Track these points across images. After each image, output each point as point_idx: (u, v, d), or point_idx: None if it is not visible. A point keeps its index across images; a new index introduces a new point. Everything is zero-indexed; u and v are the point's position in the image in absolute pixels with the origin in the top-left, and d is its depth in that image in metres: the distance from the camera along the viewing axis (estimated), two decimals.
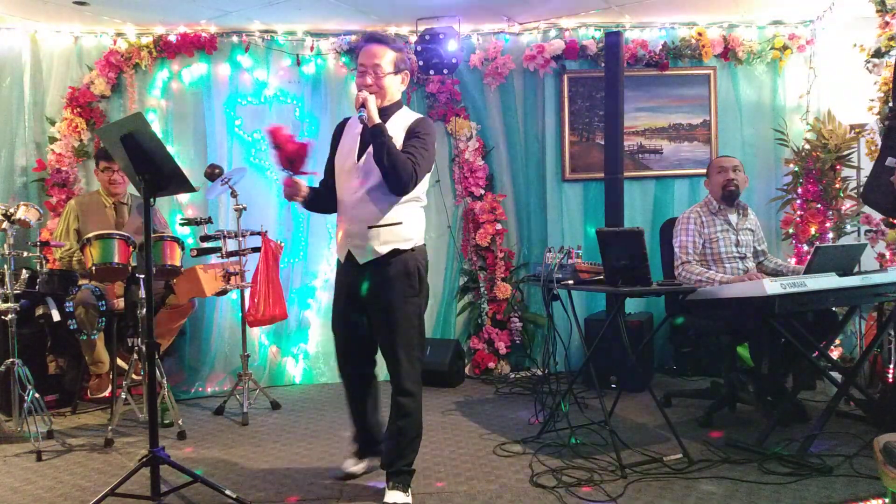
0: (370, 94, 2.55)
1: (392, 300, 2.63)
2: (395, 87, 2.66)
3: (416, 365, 2.71)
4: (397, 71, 2.64)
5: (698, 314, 3.55)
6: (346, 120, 2.84)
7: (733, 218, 3.77)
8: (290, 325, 4.86)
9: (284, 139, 2.62)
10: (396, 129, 2.61)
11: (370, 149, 2.57)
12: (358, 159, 2.65)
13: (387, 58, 2.61)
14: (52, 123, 4.73)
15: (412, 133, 2.60)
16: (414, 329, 2.68)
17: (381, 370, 2.93)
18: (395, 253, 2.62)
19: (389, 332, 2.66)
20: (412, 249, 2.67)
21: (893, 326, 3.58)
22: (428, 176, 2.70)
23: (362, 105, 2.50)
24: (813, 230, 4.48)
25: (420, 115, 2.72)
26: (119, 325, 3.93)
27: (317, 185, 2.87)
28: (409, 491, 2.72)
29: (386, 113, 2.64)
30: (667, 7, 4.80)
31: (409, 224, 2.66)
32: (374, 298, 2.65)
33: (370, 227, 2.60)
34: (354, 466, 3.00)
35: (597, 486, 2.83)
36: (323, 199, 2.81)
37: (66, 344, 4.15)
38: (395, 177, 2.50)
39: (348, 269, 2.71)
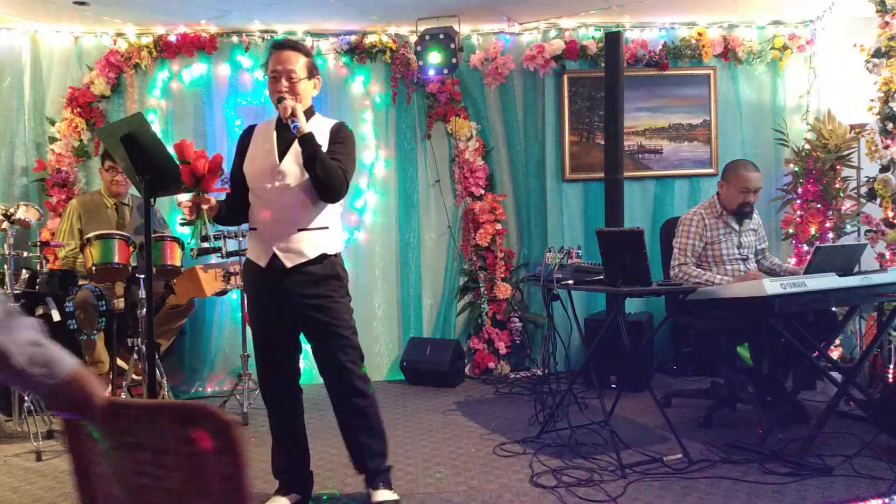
0: (293, 102, 2.48)
1: (326, 300, 2.56)
2: (309, 92, 2.63)
3: (358, 363, 2.62)
4: (310, 76, 2.61)
5: (698, 314, 3.55)
6: (251, 127, 2.72)
7: (736, 221, 3.76)
8: None
9: (192, 155, 2.47)
10: (319, 133, 2.55)
11: (293, 150, 2.52)
12: (280, 160, 2.55)
13: (300, 63, 2.56)
14: (52, 123, 4.73)
15: (336, 138, 2.59)
16: (349, 328, 2.60)
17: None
18: (324, 257, 2.57)
19: (326, 334, 2.57)
20: (336, 255, 2.63)
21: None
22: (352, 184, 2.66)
23: (291, 115, 2.43)
24: (813, 230, 4.48)
25: (338, 120, 2.70)
26: (119, 325, 3.93)
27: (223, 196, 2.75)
28: (393, 487, 2.71)
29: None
30: (667, 7, 4.80)
31: (333, 229, 2.64)
32: (306, 301, 2.55)
33: (300, 230, 2.54)
34: (276, 502, 2.67)
35: (597, 486, 2.83)
36: (231, 211, 2.67)
37: (66, 344, 4.12)
38: (328, 185, 2.47)
39: (270, 274, 2.56)
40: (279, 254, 2.55)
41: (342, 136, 2.60)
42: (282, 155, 2.56)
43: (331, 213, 2.63)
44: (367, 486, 2.70)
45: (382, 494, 2.65)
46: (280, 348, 2.67)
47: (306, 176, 2.50)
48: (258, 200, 2.61)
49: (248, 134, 2.70)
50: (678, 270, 3.63)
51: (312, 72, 2.61)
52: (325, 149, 2.52)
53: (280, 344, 2.66)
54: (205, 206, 2.51)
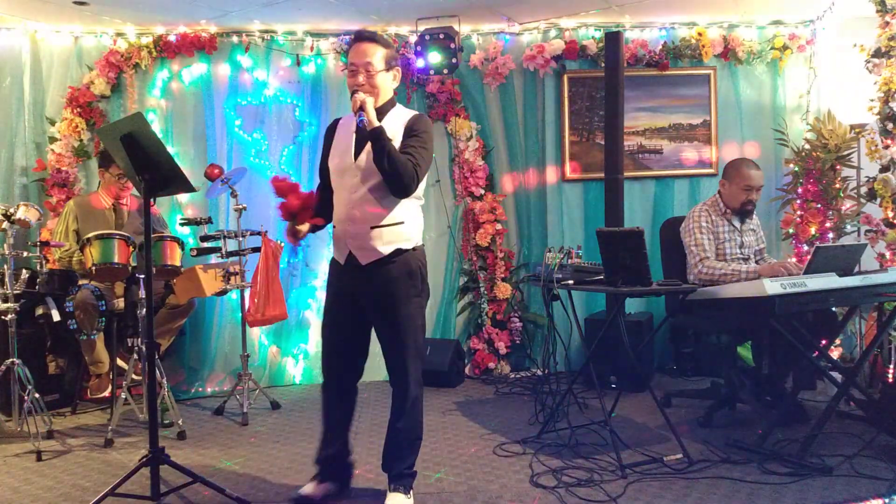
0: (365, 94, 2.50)
1: (396, 301, 2.58)
2: (388, 84, 2.61)
3: (419, 367, 2.67)
4: (389, 68, 2.59)
5: (698, 314, 3.55)
6: (337, 120, 2.75)
7: (738, 221, 3.76)
8: (290, 325, 4.85)
9: (288, 191, 2.56)
10: (394, 127, 2.57)
11: (368, 147, 2.52)
12: (355, 158, 2.58)
13: (378, 55, 2.55)
14: (52, 123, 4.72)
15: (410, 131, 2.57)
16: (417, 330, 2.63)
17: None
18: (398, 252, 2.58)
19: (393, 334, 2.62)
20: (413, 249, 2.63)
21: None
22: (426, 174, 2.66)
23: (360, 108, 2.45)
24: (813, 230, 4.48)
25: (416, 112, 2.67)
26: (119, 325, 3.93)
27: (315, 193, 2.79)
28: (412, 493, 2.71)
29: (381, 112, 2.57)
30: (667, 7, 4.80)
31: (410, 223, 2.62)
32: (378, 299, 2.60)
33: (373, 228, 2.55)
34: (309, 488, 2.75)
35: (597, 486, 2.83)
36: (323, 208, 2.70)
37: (66, 344, 4.15)
38: (398, 179, 2.47)
39: (349, 272, 2.63)
40: (354, 251, 2.58)
41: (417, 129, 2.57)
42: (358, 152, 2.57)
43: (407, 208, 2.61)
44: (388, 484, 2.72)
45: (395, 498, 2.65)
46: (347, 348, 2.71)
47: (381, 175, 2.50)
48: (337, 197, 2.63)
49: (332, 129, 2.72)
50: (702, 266, 3.53)
51: (391, 63, 2.59)
52: (399, 141, 2.52)
53: (347, 344, 2.70)
54: (300, 237, 2.62)
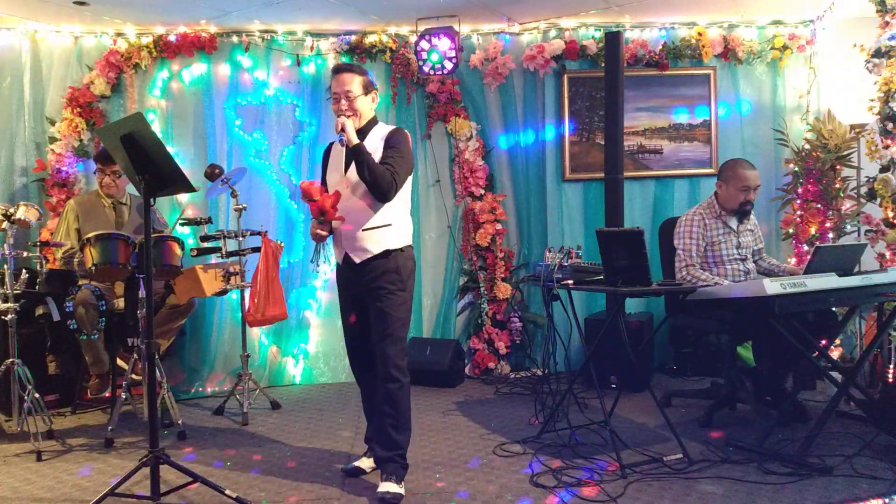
0: (346, 118, 2.83)
1: (381, 291, 2.86)
2: (368, 106, 2.95)
3: (401, 356, 2.87)
4: (367, 92, 2.92)
5: (698, 314, 3.55)
6: (331, 143, 3.07)
7: (735, 221, 3.77)
8: (290, 325, 4.86)
9: (317, 193, 2.88)
10: (375, 142, 2.89)
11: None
12: (345, 172, 2.91)
13: (355, 83, 2.88)
14: (52, 123, 4.72)
15: (388, 144, 2.88)
16: (399, 320, 2.87)
17: None
18: (387, 253, 2.87)
19: (378, 321, 2.86)
20: (401, 250, 2.90)
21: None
22: (410, 180, 2.93)
23: (342, 129, 2.79)
24: (813, 230, 4.47)
25: (394, 127, 2.98)
26: (119, 325, 3.93)
27: None
28: (403, 484, 2.80)
29: (364, 130, 2.91)
30: (667, 7, 4.80)
31: (397, 226, 2.90)
32: (366, 291, 2.90)
33: (364, 230, 2.86)
34: (362, 462, 3.11)
35: (597, 487, 2.83)
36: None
37: (66, 344, 4.15)
38: (377, 187, 2.77)
39: (346, 270, 2.96)
40: (349, 252, 2.91)
41: (394, 141, 2.88)
42: (347, 166, 2.90)
43: (393, 211, 2.88)
44: (381, 475, 2.86)
45: (386, 486, 2.77)
46: (359, 335, 3.02)
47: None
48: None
49: (328, 150, 3.09)
50: (685, 273, 3.61)
51: (368, 88, 2.93)
52: (380, 153, 2.85)
53: (359, 331, 3.01)
54: (326, 233, 2.94)
